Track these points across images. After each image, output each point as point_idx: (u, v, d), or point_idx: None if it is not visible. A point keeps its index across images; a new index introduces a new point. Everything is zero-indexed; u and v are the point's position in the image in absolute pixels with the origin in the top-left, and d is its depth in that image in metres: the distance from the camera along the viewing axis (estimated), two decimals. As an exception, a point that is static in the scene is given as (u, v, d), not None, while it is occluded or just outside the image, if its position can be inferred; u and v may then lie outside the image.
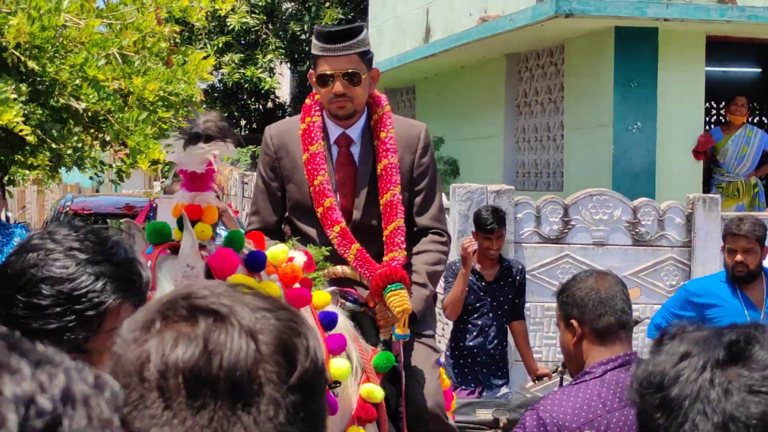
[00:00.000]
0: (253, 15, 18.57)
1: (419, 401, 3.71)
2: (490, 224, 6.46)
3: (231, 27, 17.85)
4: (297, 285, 3.06)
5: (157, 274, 2.54)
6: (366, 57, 3.82)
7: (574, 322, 3.17)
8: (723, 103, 13.90)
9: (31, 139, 6.17)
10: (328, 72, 3.76)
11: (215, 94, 20.44)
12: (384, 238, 3.80)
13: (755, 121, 12.99)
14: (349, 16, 18.24)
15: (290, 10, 19.81)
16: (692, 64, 10.07)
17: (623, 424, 3.00)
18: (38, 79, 6.68)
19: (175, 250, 2.64)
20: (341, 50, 3.74)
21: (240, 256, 2.79)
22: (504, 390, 6.54)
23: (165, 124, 7.13)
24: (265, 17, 19.09)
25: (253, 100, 21.03)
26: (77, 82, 6.66)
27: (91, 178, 9.96)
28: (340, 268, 3.81)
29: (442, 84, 13.73)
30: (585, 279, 3.24)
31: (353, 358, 3.32)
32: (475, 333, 6.55)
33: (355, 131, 3.91)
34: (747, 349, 1.33)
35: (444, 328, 7.47)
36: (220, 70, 18.17)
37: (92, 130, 7.51)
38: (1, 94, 5.83)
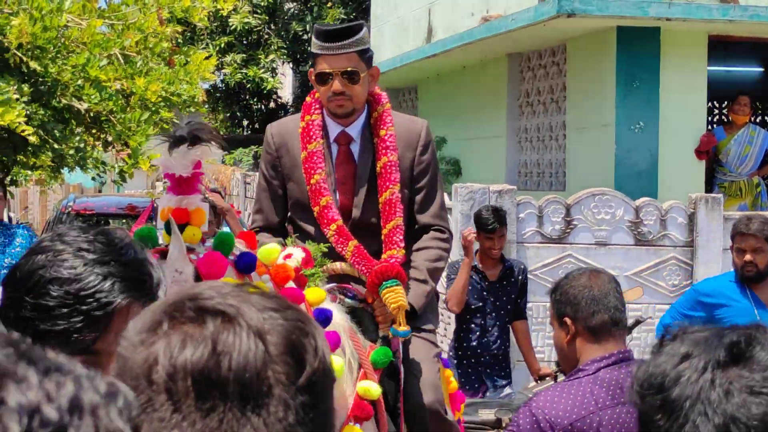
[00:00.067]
0: (255, 15, 18.58)
1: (417, 395, 3.70)
2: (491, 224, 6.47)
3: (233, 27, 17.86)
4: (291, 283, 3.05)
5: None
6: (365, 55, 3.81)
7: (568, 320, 3.17)
8: (725, 102, 13.90)
9: (33, 139, 6.17)
10: (327, 70, 3.76)
11: (217, 95, 20.45)
12: (383, 237, 3.80)
13: (758, 120, 12.98)
14: (351, 16, 18.25)
15: (292, 10, 19.82)
16: (694, 63, 10.06)
17: (615, 422, 3.00)
18: (40, 79, 6.68)
19: (163, 254, 2.63)
20: (340, 49, 3.74)
21: (230, 257, 2.78)
22: (507, 390, 6.54)
23: (167, 125, 7.13)
24: (267, 17, 19.10)
25: (255, 100, 21.04)
26: (79, 82, 6.66)
27: (93, 178, 9.98)
28: (338, 265, 3.81)
29: (445, 84, 13.73)
30: (578, 277, 3.24)
31: (347, 354, 3.31)
32: (478, 333, 6.55)
33: (354, 129, 3.91)
34: (748, 350, 1.33)
35: (446, 328, 7.47)
36: (222, 71, 18.19)
37: (94, 131, 7.51)
38: (4, 94, 5.83)
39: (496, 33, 10.40)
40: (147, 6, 7.20)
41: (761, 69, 13.38)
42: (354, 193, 3.89)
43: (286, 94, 23.24)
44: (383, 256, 3.76)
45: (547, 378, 6.44)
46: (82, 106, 6.74)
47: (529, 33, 10.17)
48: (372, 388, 3.36)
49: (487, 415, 5.75)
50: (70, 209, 11.30)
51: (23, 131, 5.96)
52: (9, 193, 7.95)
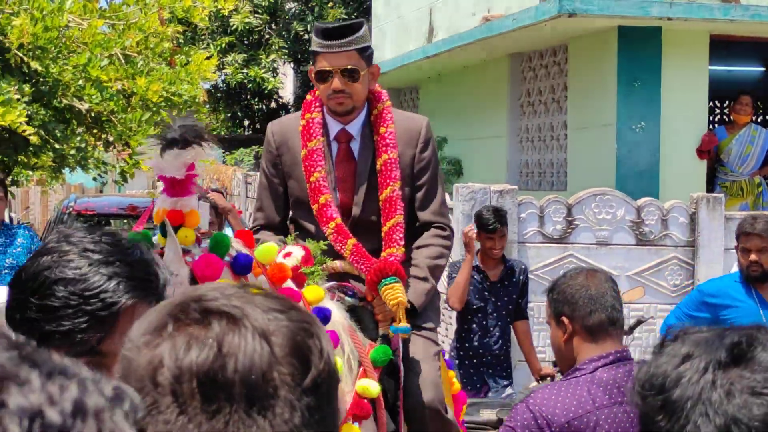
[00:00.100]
0: (256, 15, 18.58)
1: (417, 394, 3.69)
2: (491, 224, 6.47)
3: (234, 27, 17.86)
4: (290, 282, 3.04)
5: None
6: (365, 53, 3.80)
7: (565, 320, 3.17)
8: (727, 102, 13.90)
9: (34, 139, 6.18)
10: (327, 68, 3.75)
11: (218, 95, 20.45)
12: (383, 235, 3.80)
13: (759, 120, 12.97)
14: (352, 16, 18.25)
15: (293, 10, 19.82)
16: (696, 63, 10.05)
17: (612, 421, 3.01)
18: (41, 79, 6.68)
19: (159, 257, 2.62)
20: (340, 47, 3.73)
21: (226, 259, 2.77)
22: (509, 390, 6.54)
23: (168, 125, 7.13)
24: (268, 17, 19.10)
25: (256, 100, 21.05)
26: (80, 82, 6.66)
27: (94, 178, 9.98)
28: (338, 263, 3.81)
29: (446, 84, 13.72)
30: (575, 276, 3.24)
31: (346, 352, 3.31)
32: (479, 333, 6.55)
33: (354, 127, 3.90)
34: (749, 351, 1.33)
35: (447, 328, 7.47)
36: (223, 71, 18.20)
37: (95, 131, 7.51)
38: (5, 94, 5.83)
39: (497, 33, 10.40)
40: (148, 6, 7.20)
41: (762, 69, 13.37)
42: (354, 190, 3.88)
43: (287, 94, 23.24)
44: (383, 254, 3.76)
45: (549, 378, 6.44)
46: (83, 106, 6.74)
47: (531, 33, 10.16)
48: (371, 387, 3.36)
49: (488, 415, 5.75)
50: (71, 209, 11.30)
51: (24, 131, 5.96)
52: (10, 193, 7.95)
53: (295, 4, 19.92)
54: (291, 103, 21.59)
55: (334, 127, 3.91)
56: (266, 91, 19.22)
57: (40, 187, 18.92)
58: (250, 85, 18.63)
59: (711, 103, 12.77)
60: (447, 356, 5.41)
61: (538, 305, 7.63)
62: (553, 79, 11.30)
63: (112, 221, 11.95)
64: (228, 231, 6.93)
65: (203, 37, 18.15)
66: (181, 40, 10.43)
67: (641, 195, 8.30)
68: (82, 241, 1.80)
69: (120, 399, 0.77)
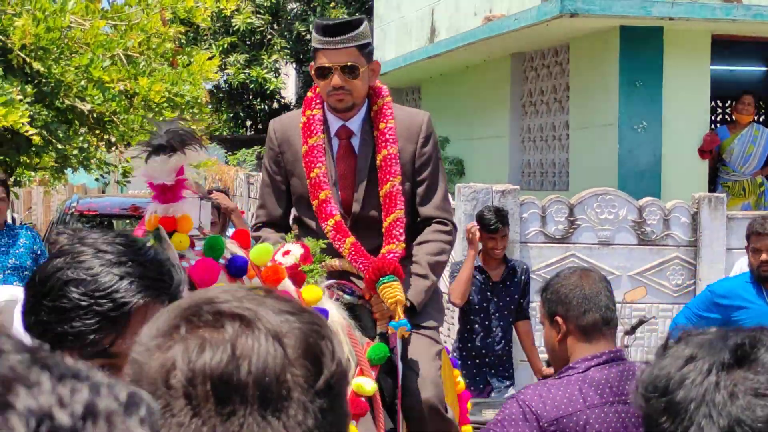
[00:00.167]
0: (258, 15, 18.59)
1: (415, 392, 3.68)
2: (493, 224, 6.48)
3: (236, 27, 17.88)
4: (286, 282, 3.03)
5: None
6: (365, 50, 3.79)
7: (559, 319, 3.17)
8: (728, 102, 13.88)
9: (36, 140, 6.19)
10: (327, 65, 3.75)
11: (220, 95, 20.46)
12: (383, 230, 3.79)
13: (761, 119, 12.96)
14: (354, 16, 18.26)
15: (295, 10, 19.84)
16: (697, 63, 10.05)
17: (603, 421, 3.00)
18: (43, 80, 6.69)
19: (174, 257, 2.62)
20: (339, 43, 3.73)
21: (221, 261, 2.76)
22: (511, 391, 6.54)
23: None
24: (270, 18, 19.12)
25: (258, 100, 21.06)
26: (82, 83, 6.67)
27: (96, 179, 9.99)
28: (337, 261, 3.80)
29: (448, 84, 13.72)
30: (569, 276, 3.23)
31: (345, 352, 3.30)
32: (481, 334, 6.55)
33: (355, 123, 3.89)
34: (752, 353, 1.33)
35: (450, 328, 7.47)
36: (226, 71, 18.21)
37: (97, 131, 7.52)
38: (7, 95, 5.84)
39: (499, 33, 10.40)
40: (150, 7, 7.21)
41: (764, 68, 13.36)
42: (354, 187, 3.88)
43: (290, 94, 23.26)
44: (382, 250, 3.74)
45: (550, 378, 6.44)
46: (86, 107, 6.75)
47: (532, 33, 10.16)
48: (365, 385, 3.35)
49: (491, 415, 5.75)
50: (73, 210, 11.30)
51: (27, 132, 5.97)
52: (13, 194, 7.96)
53: (297, 4, 19.94)
54: (293, 104, 21.59)
55: (335, 123, 3.90)
56: (268, 92, 19.23)
57: (42, 188, 18.93)
58: (252, 86, 18.64)
59: (713, 103, 12.76)
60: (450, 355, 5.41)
61: (539, 305, 7.63)
62: (555, 79, 11.30)
63: (114, 221, 11.95)
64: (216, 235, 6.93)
65: (205, 37, 18.16)
66: (183, 41, 10.43)
67: (643, 195, 8.30)
68: (96, 242, 1.79)
69: (135, 405, 0.76)
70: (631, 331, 6.67)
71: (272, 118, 4.37)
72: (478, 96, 12.80)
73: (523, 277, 6.63)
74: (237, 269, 2.81)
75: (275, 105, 21.25)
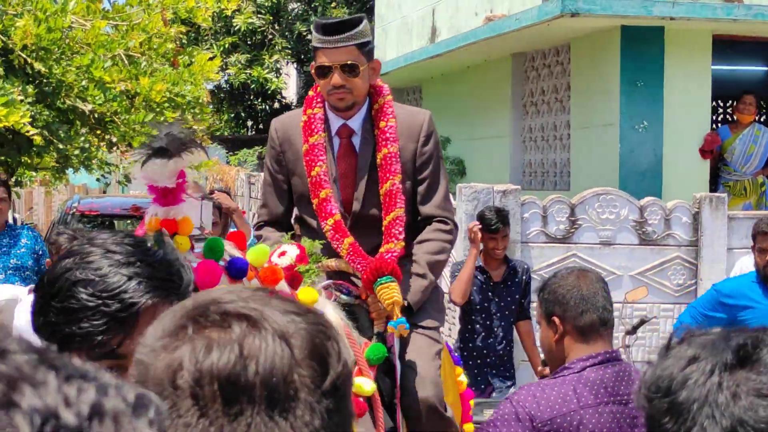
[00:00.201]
0: (259, 15, 18.59)
1: (413, 391, 3.68)
2: (494, 224, 6.48)
3: (237, 27, 17.87)
4: (282, 284, 3.03)
5: None
6: (365, 48, 3.78)
7: (556, 320, 3.17)
8: (729, 101, 13.88)
9: (37, 140, 6.19)
10: (326, 64, 3.75)
11: (221, 95, 20.47)
12: (383, 229, 3.79)
13: (762, 119, 12.96)
14: (356, 15, 18.26)
15: (296, 10, 19.84)
16: (699, 62, 10.05)
17: (597, 421, 3.00)
18: (45, 80, 6.69)
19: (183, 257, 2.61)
20: (338, 42, 3.72)
21: (221, 263, 2.76)
22: (512, 390, 6.55)
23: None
24: (271, 18, 19.12)
25: (259, 100, 21.06)
26: (83, 83, 6.67)
27: (98, 179, 10.00)
28: (334, 261, 3.80)
29: (449, 84, 13.73)
30: (566, 276, 3.23)
31: (351, 352, 3.30)
32: (483, 334, 6.56)
33: (356, 122, 3.89)
34: (755, 353, 1.33)
35: (451, 328, 7.47)
36: (227, 71, 18.20)
37: (99, 132, 7.53)
38: (8, 95, 5.84)
39: (500, 33, 10.40)
40: (151, 7, 7.21)
41: (765, 68, 13.36)
42: (355, 186, 3.88)
43: (291, 94, 23.26)
44: (381, 249, 3.74)
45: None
46: (87, 107, 6.75)
47: (533, 33, 10.17)
48: (364, 385, 3.35)
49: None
50: (74, 210, 11.31)
51: (28, 132, 5.97)
52: (15, 193, 7.97)
53: (298, 4, 19.94)
54: (294, 104, 21.60)
55: (336, 122, 3.90)
56: (269, 92, 19.23)
57: (43, 188, 18.94)
58: (253, 86, 18.64)
59: (714, 103, 12.76)
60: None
61: (537, 305, 7.63)
62: (556, 78, 11.30)
63: (115, 222, 11.96)
64: (214, 237, 6.94)
65: (206, 37, 18.16)
66: (184, 41, 10.44)
67: (644, 195, 8.30)
68: (105, 242, 1.78)
69: (144, 406, 0.75)
70: (633, 331, 6.67)
71: (273, 118, 4.37)
72: (479, 96, 12.80)
73: (524, 277, 6.63)
74: (237, 271, 2.81)
75: (276, 105, 21.25)
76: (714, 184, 10.23)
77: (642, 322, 6.66)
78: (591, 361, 3.09)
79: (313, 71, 3.85)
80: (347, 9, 18.86)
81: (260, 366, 1.05)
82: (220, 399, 1.05)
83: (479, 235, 6.48)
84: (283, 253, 3.20)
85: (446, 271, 6.76)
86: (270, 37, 19.15)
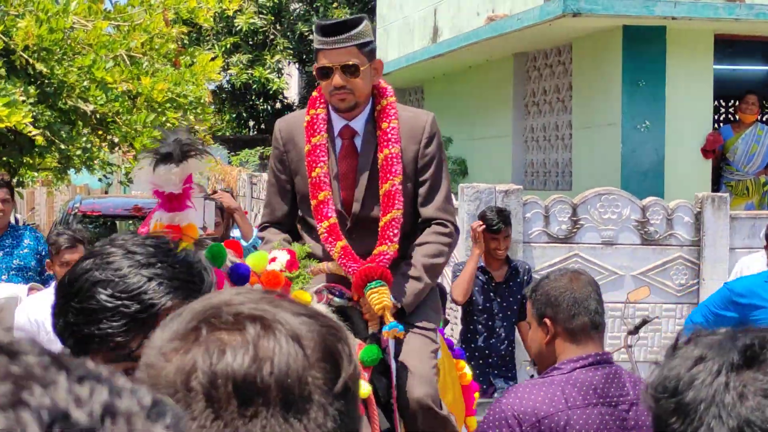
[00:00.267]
0: (260, 16, 18.60)
1: (408, 390, 3.68)
2: (496, 224, 6.48)
3: (239, 28, 17.88)
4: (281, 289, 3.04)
5: None
6: (365, 48, 3.77)
7: (548, 321, 3.16)
8: (731, 101, 13.88)
9: (39, 140, 6.19)
10: (327, 65, 3.75)
11: (223, 95, 20.48)
12: (379, 229, 3.79)
13: (765, 119, 12.96)
14: (357, 15, 18.27)
15: (298, 10, 19.85)
16: (700, 62, 10.05)
17: (585, 422, 3.00)
18: (46, 81, 6.70)
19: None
20: (337, 43, 3.72)
21: (223, 269, 2.76)
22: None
23: (173, 126, 7.14)
24: (272, 18, 19.13)
25: (261, 100, 21.07)
26: (85, 83, 6.68)
27: (99, 179, 10.00)
28: (326, 265, 3.80)
29: (450, 84, 13.73)
30: (559, 278, 3.22)
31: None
32: (485, 334, 6.56)
33: (358, 123, 3.89)
34: (762, 353, 1.33)
35: (453, 328, 7.47)
36: (228, 71, 18.20)
37: (100, 132, 7.53)
38: (10, 96, 5.85)
39: (501, 33, 10.40)
40: (153, 7, 7.22)
41: (767, 67, 13.35)
42: (355, 186, 3.88)
43: (292, 94, 23.27)
44: (374, 251, 3.74)
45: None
46: (88, 108, 6.76)
47: (535, 32, 10.17)
48: (360, 387, 3.35)
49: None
50: (76, 210, 11.32)
51: (30, 132, 5.98)
52: (18, 193, 7.97)
53: (300, 4, 19.95)
54: (296, 104, 21.62)
55: (338, 123, 3.90)
56: (271, 92, 19.24)
57: (45, 188, 18.95)
58: (254, 86, 18.65)
59: (716, 103, 12.76)
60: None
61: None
62: (558, 78, 11.30)
63: (117, 222, 11.97)
64: (236, 231, 6.94)
65: (208, 37, 18.17)
66: (185, 41, 10.45)
67: (646, 194, 8.29)
68: (126, 243, 1.77)
69: (161, 413, 0.74)
70: (635, 330, 6.67)
71: (275, 118, 4.38)
72: (481, 96, 12.80)
73: (525, 278, 6.62)
74: (239, 277, 2.81)
75: (278, 105, 21.26)
76: (716, 184, 10.23)
77: (644, 322, 6.66)
78: (581, 362, 3.08)
79: (315, 73, 3.85)
80: (349, 9, 18.86)
81: (275, 367, 1.05)
82: (234, 401, 1.04)
83: (482, 235, 6.48)
84: (273, 260, 3.20)
85: (448, 271, 6.76)
86: (272, 37, 19.16)
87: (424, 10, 13.92)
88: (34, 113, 6.24)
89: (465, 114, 13.19)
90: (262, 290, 1.17)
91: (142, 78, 6.79)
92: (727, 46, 10.75)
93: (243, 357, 1.05)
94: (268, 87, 18.37)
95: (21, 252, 6.49)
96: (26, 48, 6.35)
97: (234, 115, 21.11)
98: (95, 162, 7.59)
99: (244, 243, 6.20)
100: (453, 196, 4.29)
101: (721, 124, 12.95)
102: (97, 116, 6.97)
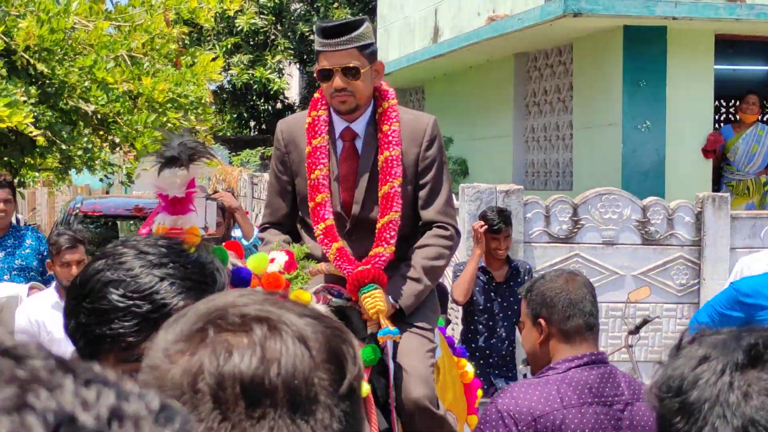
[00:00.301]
0: (261, 16, 18.61)
1: (405, 390, 3.68)
2: (496, 224, 6.48)
3: (240, 28, 17.89)
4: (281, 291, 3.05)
5: None
6: (366, 51, 3.77)
7: (542, 322, 3.16)
8: (732, 101, 13.89)
9: (40, 141, 6.20)
10: (327, 67, 3.75)
11: (224, 96, 20.48)
12: (377, 231, 3.79)
13: (766, 119, 12.96)
14: (358, 17, 18.27)
15: (299, 10, 19.85)
16: (701, 62, 10.05)
17: (579, 421, 3.00)
18: (47, 81, 6.71)
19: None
20: (338, 45, 3.72)
21: None
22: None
23: (175, 126, 7.15)
24: (273, 18, 19.13)
25: (262, 101, 21.08)
26: (86, 84, 6.69)
27: (101, 179, 10.01)
28: (323, 266, 3.81)
29: (451, 84, 13.73)
30: (555, 279, 3.22)
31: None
32: (485, 335, 6.56)
33: (359, 125, 3.89)
34: (766, 353, 1.33)
35: (453, 329, 7.48)
36: (229, 72, 18.21)
37: (101, 132, 7.54)
38: (11, 96, 5.86)
39: (502, 33, 10.40)
40: (153, 7, 7.22)
41: (767, 67, 13.36)
42: (355, 189, 3.88)
43: (293, 94, 23.28)
44: (370, 253, 3.75)
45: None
46: (90, 108, 6.76)
47: (536, 33, 10.17)
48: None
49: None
50: (77, 210, 11.32)
51: (31, 133, 5.99)
52: (19, 193, 7.98)
53: (301, 4, 19.96)
54: (297, 104, 21.62)
55: (339, 125, 3.90)
56: (272, 92, 19.24)
57: (46, 189, 18.96)
58: (255, 86, 18.64)
59: (716, 103, 12.76)
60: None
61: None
62: (559, 78, 11.30)
63: (118, 222, 11.97)
64: (237, 231, 6.95)
65: (209, 38, 18.17)
66: (186, 42, 10.46)
67: (647, 194, 8.30)
68: (138, 244, 1.75)
69: (170, 418, 0.74)
70: (635, 330, 6.67)
71: (276, 118, 4.39)
72: (482, 96, 12.80)
73: (526, 278, 6.62)
74: (241, 281, 2.81)
75: (279, 105, 21.27)
76: (717, 184, 10.23)
77: (645, 321, 6.66)
78: (576, 362, 3.09)
79: (316, 75, 3.86)
80: (349, 9, 18.87)
81: (282, 368, 1.05)
82: (242, 402, 1.04)
83: (483, 235, 6.48)
84: (271, 261, 3.20)
85: (449, 271, 6.76)
86: (272, 37, 19.17)
87: (424, 10, 13.92)
88: (36, 113, 6.24)
89: (466, 114, 13.19)
90: (264, 292, 1.18)
91: (143, 78, 6.80)
92: (728, 46, 10.75)
93: (251, 358, 1.05)
94: (269, 87, 18.36)
95: (23, 252, 6.50)
96: (27, 48, 6.36)
97: (235, 116, 21.11)
98: (96, 162, 7.59)
99: (244, 242, 6.21)
100: (454, 196, 4.29)
101: (722, 124, 12.94)
102: (98, 116, 6.98)
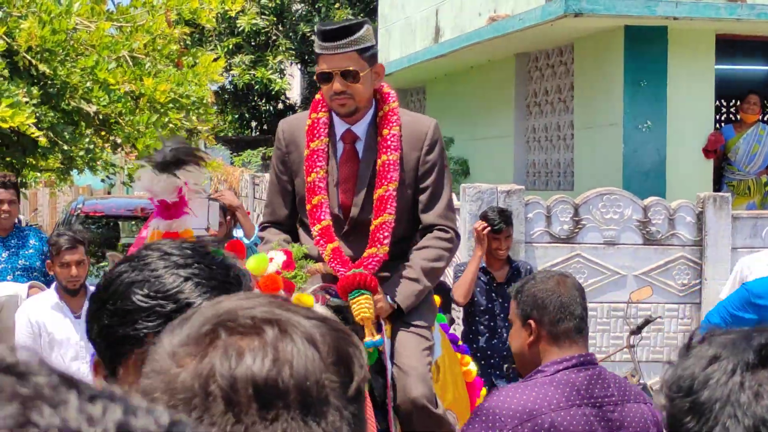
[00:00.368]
0: (263, 16, 18.61)
1: (402, 390, 3.69)
2: (497, 224, 6.48)
3: (241, 28, 17.90)
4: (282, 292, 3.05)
5: None
6: (366, 53, 3.77)
7: (533, 323, 3.16)
8: (733, 101, 13.88)
9: (42, 141, 6.21)
10: (326, 70, 3.76)
11: (226, 96, 20.49)
12: (370, 233, 3.80)
13: (766, 119, 12.96)
14: (359, 17, 18.27)
15: (300, 11, 19.86)
16: (702, 62, 10.05)
17: (569, 423, 2.99)
18: (49, 82, 6.71)
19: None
20: (337, 48, 3.72)
21: None
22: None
23: (176, 126, 7.16)
24: (275, 18, 19.14)
25: (263, 101, 21.08)
26: (88, 84, 6.69)
27: (102, 180, 10.02)
28: (321, 265, 3.81)
29: (452, 84, 13.74)
30: (546, 281, 3.21)
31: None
32: (487, 335, 6.56)
33: (360, 127, 3.90)
34: None
35: (454, 329, 7.48)
36: (231, 72, 18.24)
37: (103, 133, 7.55)
38: (13, 97, 5.87)
39: (503, 33, 10.41)
40: (155, 8, 7.23)
41: (769, 67, 13.37)
42: (355, 191, 3.89)
43: (295, 95, 23.29)
44: (364, 254, 3.76)
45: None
46: (91, 109, 6.77)
47: (537, 33, 10.17)
48: None
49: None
50: (79, 211, 11.33)
51: (33, 133, 5.99)
52: (22, 194, 7.99)
53: (302, 5, 19.96)
54: (298, 104, 21.63)
55: (340, 127, 3.91)
56: (273, 93, 19.26)
57: (48, 189, 18.97)
58: (257, 87, 18.67)
59: (717, 102, 12.76)
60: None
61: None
62: (560, 78, 11.31)
63: (120, 223, 11.98)
64: (239, 231, 6.95)
65: (210, 38, 18.18)
66: (188, 42, 10.47)
67: (648, 194, 8.30)
68: (162, 246, 1.74)
69: None
70: (637, 330, 6.67)
71: (277, 118, 4.40)
72: (483, 96, 12.81)
73: (527, 278, 6.63)
74: None
75: (280, 106, 21.27)
76: (718, 184, 10.23)
77: (646, 322, 6.67)
78: (565, 364, 3.08)
79: (316, 77, 3.87)
80: (350, 10, 18.88)
81: (294, 370, 1.05)
82: (255, 404, 1.04)
83: (484, 235, 6.48)
84: (270, 260, 3.21)
85: (450, 271, 6.77)
86: (274, 38, 19.17)
87: (426, 11, 13.93)
88: (37, 114, 6.25)
89: (467, 114, 13.20)
90: (267, 295, 1.18)
91: (145, 79, 6.80)
92: (729, 46, 10.75)
93: (263, 360, 1.05)
94: (271, 88, 18.40)
95: (26, 252, 6.51)
96: (29, 49, 6.37)
97: (236, 116, 21.12)
98: (98, 163, 7.60)
99: (246, 241, 6.22)
100: (455, 197, 4.31)
101: (723, 124, 12.94)
102: (100, 117, 6.98)
